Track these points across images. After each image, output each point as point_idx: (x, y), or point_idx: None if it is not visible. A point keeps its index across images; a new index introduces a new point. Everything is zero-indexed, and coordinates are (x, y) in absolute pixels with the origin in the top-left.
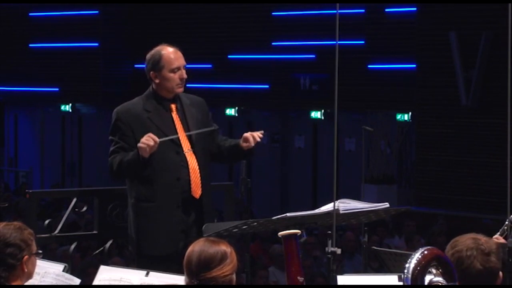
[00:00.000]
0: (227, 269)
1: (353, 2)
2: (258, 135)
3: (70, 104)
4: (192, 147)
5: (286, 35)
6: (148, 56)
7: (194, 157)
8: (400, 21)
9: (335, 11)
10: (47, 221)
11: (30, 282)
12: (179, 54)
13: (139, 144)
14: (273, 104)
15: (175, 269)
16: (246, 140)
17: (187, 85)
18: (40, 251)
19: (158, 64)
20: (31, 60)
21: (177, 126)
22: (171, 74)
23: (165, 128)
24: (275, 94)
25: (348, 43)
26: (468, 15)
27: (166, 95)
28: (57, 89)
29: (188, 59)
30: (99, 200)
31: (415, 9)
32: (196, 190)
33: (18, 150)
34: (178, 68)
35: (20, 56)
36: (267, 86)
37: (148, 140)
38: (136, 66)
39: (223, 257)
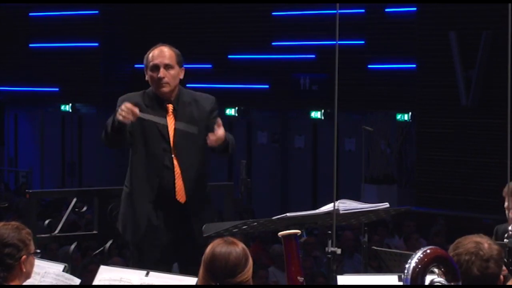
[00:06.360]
0: (249, 272)
1: (353, 2)
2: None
3: (70, 104)
4: (175, 149)
5: (286, 35)
6: None
7: (176, 159)
8: (400, 21)
9: (335, 11)
10: (47, 221)
11: (29, 282)
12: (164, 53)
13: (118, 115)
14: (273, 104)
15: (151, 260)
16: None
17: (187, 85)
18: (38, 251)
19: (145, 63)
20: (31, 60)
21: (169, 128)
22: (151, 73)
23: (160, 127)
24: (275, 94)
25: (348, 43)
26: (468, 15)
27: (161, 95)
28: (57, 89)
29: (188, 59)
30: (99, 200)
31: (415, 9)
32: (180, 192)
33: (18, 150)
34: (157, 67)
35: (20, 56)
36: (267, 86)
37: (128, 113)
38: (136, 66)
39: (246, 260)
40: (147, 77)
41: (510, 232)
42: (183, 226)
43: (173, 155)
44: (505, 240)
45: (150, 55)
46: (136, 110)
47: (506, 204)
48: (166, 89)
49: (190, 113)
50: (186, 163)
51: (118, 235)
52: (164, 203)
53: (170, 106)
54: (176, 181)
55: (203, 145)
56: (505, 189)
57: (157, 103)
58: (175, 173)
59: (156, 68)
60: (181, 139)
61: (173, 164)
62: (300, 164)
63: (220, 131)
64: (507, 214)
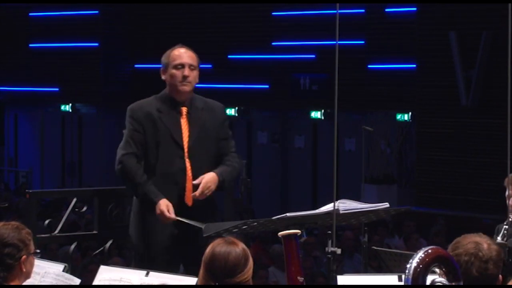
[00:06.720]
0: (249, 273)
1: (353, 2)
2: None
3: (70, 104)
4: (188, 154)
5: (286, 35)
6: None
7: (190, 164)
8: (400, 21)
9: (335, 11)
10: (47, 221)
11: (29, 282)
12: (188, 54)
13: (158, 213)
14: (273, 104)
15: (156, 263)
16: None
17: None
18: (38, 251)
19: (166, 61)
20: (31, 60)
21: (183, 131)
22: (174, 71)
23: (173, 131)
24: (275, 94)
25: (348, 43)
26: (468, 15)
27: (177, 97)
28: (57, 89)
29: None
30: (99, 200)
31: (415, 9)
32: (188, 195)
33: (18, 150)
34: (182, 65)
35: (20, 56)
36: (267, 86)
37: (169, 218)
38: (136, 66)
39: (246, 260)
40: (164, 76)
41: (510, 219)
42: (188, 229)
43: (186, 159)
44: (504, 226)
45: (173, 54)
46: (172, 215)
47: (507, 193)
48: (187, 88)
49: (203, 120)
50: (197, 167)
51: (118, 235)
52: (174, 206)
53: (184, 109)
54: (186, 184)
55: (214, 152)
56: (507, 179)
57: (171, 106)
58: (187, 176)
59: (181, 66)
60: (195, 143)
61: (185, 167)
62: (300, 164)
63: (205, 189)
64: (507, 203)
